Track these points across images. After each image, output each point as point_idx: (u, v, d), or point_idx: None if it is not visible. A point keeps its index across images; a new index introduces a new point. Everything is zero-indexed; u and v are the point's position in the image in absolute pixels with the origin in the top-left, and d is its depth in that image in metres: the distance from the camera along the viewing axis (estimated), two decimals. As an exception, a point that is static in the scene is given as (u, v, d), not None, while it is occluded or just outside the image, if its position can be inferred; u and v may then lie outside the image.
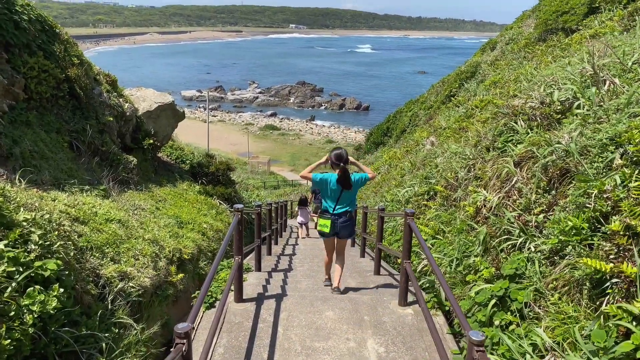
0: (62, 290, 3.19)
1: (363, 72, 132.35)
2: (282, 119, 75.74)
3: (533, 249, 4.01)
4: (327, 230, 5.13)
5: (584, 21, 12.40)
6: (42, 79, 6.23)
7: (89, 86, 7.31)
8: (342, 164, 5.05)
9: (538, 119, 5.31)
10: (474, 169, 5.96)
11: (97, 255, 4.03)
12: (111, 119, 7.71)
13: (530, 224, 4.20)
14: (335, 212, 5.12)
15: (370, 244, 9.08)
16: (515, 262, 4.02)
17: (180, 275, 5.28)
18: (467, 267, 4.78)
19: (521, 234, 4.23)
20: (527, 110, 5.52)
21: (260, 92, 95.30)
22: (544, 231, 4.05)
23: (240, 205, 4.61)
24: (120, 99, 8.68)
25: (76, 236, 3.93)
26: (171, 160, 11.58)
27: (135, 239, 4.87)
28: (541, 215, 4.15)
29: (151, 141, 9.20)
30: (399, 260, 6.95)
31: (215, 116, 72.02)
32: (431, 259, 3.81)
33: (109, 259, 4.14)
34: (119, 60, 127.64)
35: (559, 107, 5.24)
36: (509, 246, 4.32)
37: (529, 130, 5.34)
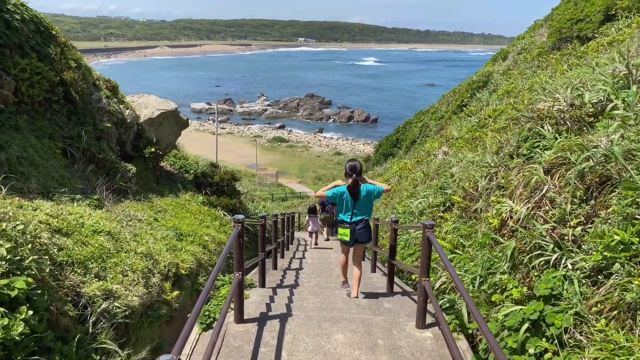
0: (31, 312, 2.77)
1: (371, 84, 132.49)
2: (290, 131, 75.68)
3: (570, 267, 3.54)
4: (347, 238, 5.36)
5: (600, 29, 12.09)
6: (35, 82, 5.88)
7: (86, 91, 6.96)
8: (354, 175, 5.18)
9: (568, 122, 4.85)
10: (496, 178, 5.49)
11: (79, 271, 3.60)
12: (109, 125, 7.34)
13: (566, 238, 3.73)
14: (352, 220, 5.34)
15: (381, 258, 8.61)
16: (550, 281, 3.55)
17: (176, 292, 4.83)
18: (493, 285, 4.30)
19: (556, 249, 3.76)
20: (554, 114, 5.07)
21: (268, 105, 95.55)
22: (582, 246, 3.58)
23: (241, 216, 4.17)
24: (121, 106, 8.34)
25: (56, 249, 3.51)
26: (174, 169, 11.21)
27: (125, 252, 4.44)
28: (579, 228, 3.68)
29: (153, 149, 8.83)
30: (413, 276, 6.49)
31: (224, 128, 72.11)
32: (455, 276, 3.36)
33: (92, 275, 3.71)
34: (128, 72, 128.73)
35: (590, 110, 4.78)
36: (542, 263, 3.84)
37: (557, 135, 4.89)
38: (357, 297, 5.51)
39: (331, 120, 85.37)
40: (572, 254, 3.61)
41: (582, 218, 3.73)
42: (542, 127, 5.09)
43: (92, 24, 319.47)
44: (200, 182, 11.16)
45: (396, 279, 6.60)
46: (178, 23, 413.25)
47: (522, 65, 16.32)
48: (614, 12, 11.97)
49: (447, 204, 6.98)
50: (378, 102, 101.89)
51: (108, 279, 3.84)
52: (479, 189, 5.84)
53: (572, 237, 3.69)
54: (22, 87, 5.72)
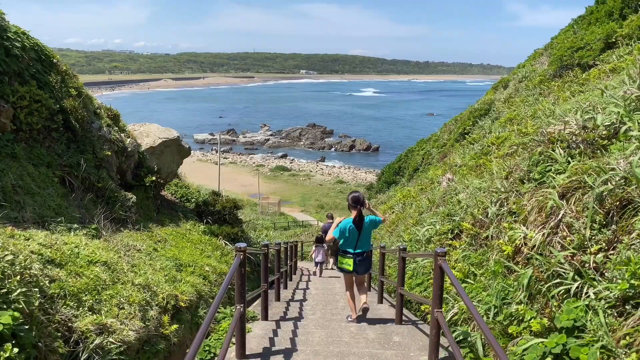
0: (17, 350, 2.56)
1: (372, 114, 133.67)
2: (292, 160, 75.92)
3: (593, 296, 3.32)
4: (349, 267, 5.58)
5: (601, 56, 12.13)
6: (34, 110, 5.79)
7: (86, 119, 6.87)
8: (358, 206, 5.43)
9: (580, 145, 4.71)
10: (507, 203, 5.31)
11: (72, 304, 3.39)
12: (109, 153, 7.22)
13: (587, 265, 3.52)
14: (355, 251, 5.56)
15: (387, 289, 8.33)
16: (572, 312, 3.32)
17: (175, 326, 4.59)
18: (509, 316, 4.06)
19: (576, 277, 3.55)
20: (566, 137, 4.93)
21: (271, 135, 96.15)
22: (605, 274, 3.37)
23: (242, 244, 3.97)
24: (122, 134, 8.25)
25: (47, 281, 3.31)
26: (175, 198, 11.05)
27: (122, 284, 4.24)
28: (600, 255, 3.48)
29: (153, 178, 8.69)
30: (423, 307, 6.22)
31: (226, 158, 72.34)
32: (471, 306, 3.13)
33: (86, 308, 3.49)
34: (132, 104, 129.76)
35: (603, 132, 4.64)
36: (561, 292, 3.63)
37: (569, 158, 4.74)
38: (366, 303, 5.62)
39: (333, 149, 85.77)
40: (594, 282, 3.40)
41: (603, 244, 3.54)
42: (554, 151, 4.95)
43: (96, 57, 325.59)
44: (202, 210, 10.98)
45: (404, 310, 6.34)
46: (182, 56, 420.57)
47: (524, 92, 16.34)
48: (614, 40, 12.04)
49: (456, 231, 6.77)
50: (379, 132, 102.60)
51: (102, 312, 3.62)
52: (489, 215, 5.65)
53: (594, 265, 3.49)
54: (20, 114, 5.62)
